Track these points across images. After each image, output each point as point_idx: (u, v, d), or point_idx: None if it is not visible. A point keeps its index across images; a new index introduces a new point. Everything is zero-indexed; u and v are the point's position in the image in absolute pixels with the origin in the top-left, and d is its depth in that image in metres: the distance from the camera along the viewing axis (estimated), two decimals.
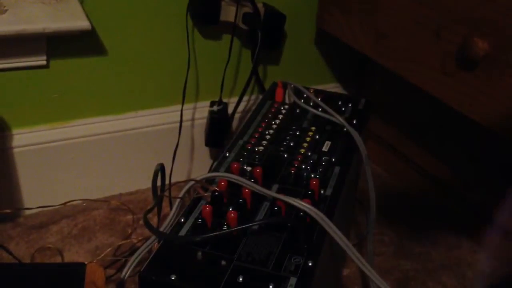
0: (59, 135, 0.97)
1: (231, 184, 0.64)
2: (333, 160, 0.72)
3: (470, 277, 0.93)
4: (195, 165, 1.12)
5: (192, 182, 0.64)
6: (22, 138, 0.94)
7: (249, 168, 0.67)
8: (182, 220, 0.61)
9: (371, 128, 1.21)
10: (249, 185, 0.63)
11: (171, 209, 0.69)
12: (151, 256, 0.56)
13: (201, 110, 1.08)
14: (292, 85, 0.86)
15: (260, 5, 1.00)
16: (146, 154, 1.06)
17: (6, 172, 0.94)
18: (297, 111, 0.83)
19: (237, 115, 1.09)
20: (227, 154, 0.72)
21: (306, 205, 0.60)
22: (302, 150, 0.73)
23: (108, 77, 0.97)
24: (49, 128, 0.96)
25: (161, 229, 0.59)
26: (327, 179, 0.68)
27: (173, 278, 0.53)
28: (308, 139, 0.76)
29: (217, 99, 1.03)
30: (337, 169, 0.71)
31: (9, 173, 0.94)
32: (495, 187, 0.97)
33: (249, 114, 0.90)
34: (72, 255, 0.92)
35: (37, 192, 0.98)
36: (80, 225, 0.98)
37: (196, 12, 0.97)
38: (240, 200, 0.62)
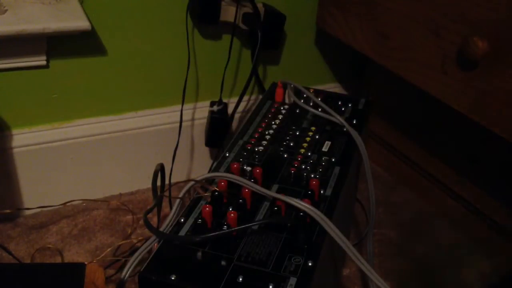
0: (59, 135, 0.97)
1: (231, 184, 0.64)
2: (333, 160, 0.72)
3: (470, 277, 0.93)
4: (195, 165, 1.12)
5: (192, 182, 0.64)
6: (22, 138, 0.94)
7: (249, 168, 0.67)
8: (182, 220, 0.61)
9: (371, 128, 1.21)
10: (249, 185, 0.63)
11: (171, 209, 0.69)
12: (151, 256, 0.56)
13: (201, 110, 1.08)
14: (292, 85, 0.86)
15: (260, 5, 1.00)
16: (146, 154, 1.06)
17: (6, 172, 0.94)
18: (297, 111, 0.83)
19: (237, 115, 1.09)
20: (227, 154, 0.72)
21: (306, 205, 0.60)
22: (302, 150, 0.73)
23: (108, 77, 0.97)
24: (49, 128, 0.96)
25: (161, 229, 0.59)
26: (327, 179, 0.68)
27: (173, 278, 0.53)
28: (308, 139, 0.76)
29: (217, 99, 1.03)
30: (337, 169, 0.71)
31: (9, 173, 0.94)
32: (495, 187, 0.97)
33: (249, 114, 0.90)
34: (72, 255, 0.92)
35: (37, 192, 0.98)
36: (80, 225, 0.98)
37: (196, 12, 0.96)
38: (240, 200, 0.62)
